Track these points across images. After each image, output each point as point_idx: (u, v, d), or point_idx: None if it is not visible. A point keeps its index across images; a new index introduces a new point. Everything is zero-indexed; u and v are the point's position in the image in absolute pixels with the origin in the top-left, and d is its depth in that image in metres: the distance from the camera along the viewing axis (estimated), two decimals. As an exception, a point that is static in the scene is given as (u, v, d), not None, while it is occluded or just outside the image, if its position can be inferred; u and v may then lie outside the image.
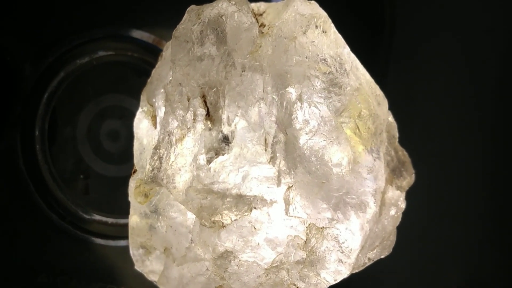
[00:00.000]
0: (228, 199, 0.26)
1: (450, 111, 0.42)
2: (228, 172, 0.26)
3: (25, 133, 0.38)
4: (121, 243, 0.39)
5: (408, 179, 0.31)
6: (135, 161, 0.30)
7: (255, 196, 0.26)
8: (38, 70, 0.37)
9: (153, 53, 0.38)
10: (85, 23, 0.38)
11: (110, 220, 0.39)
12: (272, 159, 0.26)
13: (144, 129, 0.30)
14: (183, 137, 0.27)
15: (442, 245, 0.41)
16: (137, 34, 0.39)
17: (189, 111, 0.26)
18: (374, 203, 0.28)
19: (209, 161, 0.26)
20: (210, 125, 0.26)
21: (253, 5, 0.29)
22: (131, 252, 0.31)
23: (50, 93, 0.38)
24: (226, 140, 0.26)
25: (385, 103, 0.29)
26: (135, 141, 0.31)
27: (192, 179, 0.26)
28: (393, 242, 0.31)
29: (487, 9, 0.42)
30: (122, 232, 0.38)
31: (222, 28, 0.26)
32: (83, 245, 0.39)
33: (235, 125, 0.25)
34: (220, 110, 0.25)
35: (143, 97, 0.31)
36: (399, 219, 0.31)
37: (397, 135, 0.31)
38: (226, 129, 0.25)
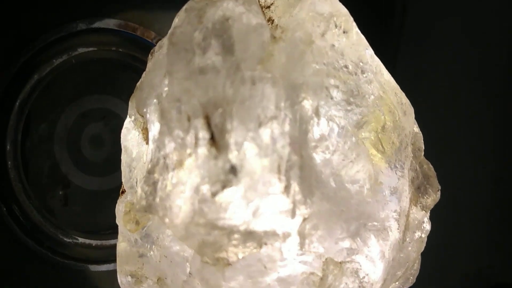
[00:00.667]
0: (235, 236, 0.23)
1: (461, 103, 0.40)
2: (236, 207, 0.22)
3: (-6, 148, 0.34)
4: (108, 267, 0.35)
5: (433, 196, 0.29)
6: (123, 179, 0.27)
7: (266, 231, 0.23)
8: (7, 74, 0.33)
9: (140, 47, 0.34)
10: (61, 15, 0.33)
11: (94, 242, 0.35)
12: (286, 188, 0.22)
13: (133, 141, 0.27)
14: (182, 162, 0.23)
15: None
16: (122, 25, 0.34)
17: (189, 133, 0.22)
18: (398, 229, 0.26)
19: (214, 194, 0.22)
20: (215, 152, 0.22)
21: (259, -4, 0.26)
22: (119, 280, 0.28)
23: (22, 100, 0.34)
24: (233, 170, 0.22)
25: (411, 112, 0.27)
26: (123, 154, 0.27)
27: (193, 213, 0.23)
28: (417, 271, 0.29)
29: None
30: (109, 255, 0.35)
31: (229, 35, 0.22)
32: (64, 272, 0.35)
33: (244, 151, 0.22)
34: (227, 135, 0.22)
35: (131, 104, 0.27)
36: (424, 244, 0.29)
37: (423, 147, 0.29)
38: (234, 157, 0.22)
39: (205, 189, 0.22)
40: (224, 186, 0.22)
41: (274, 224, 0.23)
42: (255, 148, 0.22)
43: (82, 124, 0.35)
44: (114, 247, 0.28)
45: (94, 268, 0.35)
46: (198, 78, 0.22)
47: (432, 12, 0.39)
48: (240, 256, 0.23)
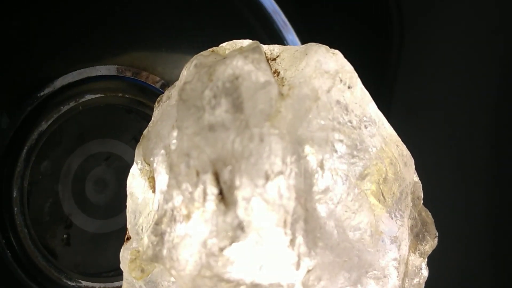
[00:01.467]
0: (241, 288, 0.23)
1: (457, 123, 0.41)
2: (244, 262, 0.22)
3: (1, 194, 0.34)
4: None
5: (431, 242, 0.29)
6: (129, 226, 0.27)
7: (272, 283, 0.23)
8: (15, 121, 0.33)
9: (144, 91, 0.35)
10: (68, 63, 0.33)
11: (97, 285, 0.35)
12: (292, 242, 0.23)
13: (139, 188, 0.27)
14: (190, 215, 0.23)
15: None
16: (127, 71, 0.34)
17: (198, 188, 0.23)
18: (397, 276, 0.26)
19: (222, 249, 0.22)
20: (223, 208, 0.22)
21: (265, 47, 0.26)
22: (123, 325, 0.28)
23: (29, 147, 0.34)
24: (241, 225, 0.22)
25: (411, 163, 0.27)
26: (128, 200, 0.27)
27: (200, 266, 0.23)
28: (416, 318, 0.29)
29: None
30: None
31: (239, 94, 0.23)
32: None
33: (251, 207, 0.22)
34: (236, 191, 0.22)
35: (138, 151, 0.27)
36: (422, 290, 0.28)
37: (421, 195, 0.29)
38: (242, 213, 0.22)
39: (213, 243, 0.22)
40: (232, 241, 0.22)
41: (279, 276, 0.23)
42: (263, 203, 0.22)
43: (86, 168, 0.35)
44: (117, 289, 0.28)
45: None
46: (208, 134, 0.23)
47: (429, 46, 0.40)
48: (245, 306, 0.24)
